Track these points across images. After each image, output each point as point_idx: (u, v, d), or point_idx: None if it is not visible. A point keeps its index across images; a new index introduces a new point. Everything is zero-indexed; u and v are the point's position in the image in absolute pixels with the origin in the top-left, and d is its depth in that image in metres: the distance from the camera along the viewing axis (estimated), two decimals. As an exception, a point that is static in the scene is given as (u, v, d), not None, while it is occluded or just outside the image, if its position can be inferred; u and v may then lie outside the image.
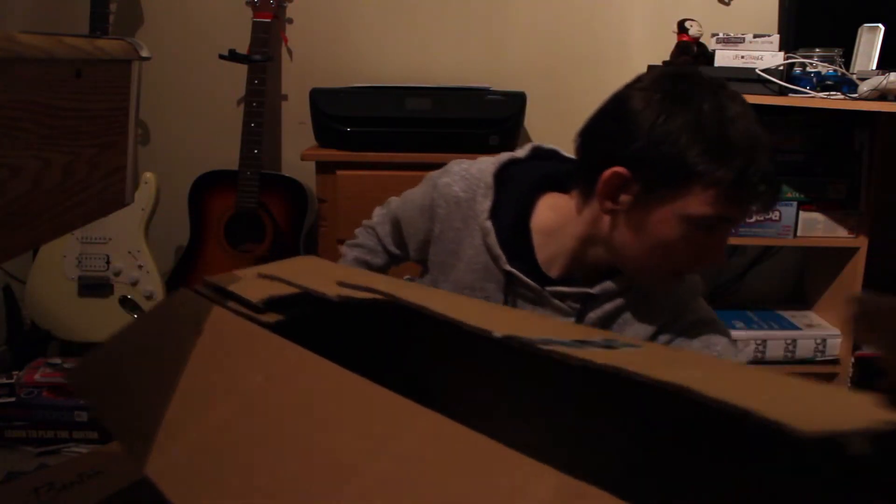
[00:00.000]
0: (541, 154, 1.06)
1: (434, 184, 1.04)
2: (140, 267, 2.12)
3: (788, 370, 2.18)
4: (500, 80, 2.25)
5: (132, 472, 1.62)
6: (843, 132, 2.10)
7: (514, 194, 0.99)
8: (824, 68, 1.84)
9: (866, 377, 2.17)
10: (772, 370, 0.96)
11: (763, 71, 1.88)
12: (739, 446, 0.44)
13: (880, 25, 1.79)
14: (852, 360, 2.18)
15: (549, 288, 0.98)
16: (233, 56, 2.10)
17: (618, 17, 2.32)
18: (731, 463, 0.47)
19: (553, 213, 0.99)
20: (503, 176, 1.01)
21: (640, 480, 0.50)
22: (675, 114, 0.86)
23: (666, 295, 1.00)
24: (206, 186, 2.17)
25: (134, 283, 2.12)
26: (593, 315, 0.99)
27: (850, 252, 2.14)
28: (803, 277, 2.45)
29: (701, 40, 2.08)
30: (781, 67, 1.90)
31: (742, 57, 1.96)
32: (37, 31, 0.64)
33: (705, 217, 0.87)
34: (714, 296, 2.41)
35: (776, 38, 1.99)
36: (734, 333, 2.16)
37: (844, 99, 1.76)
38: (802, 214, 2.10)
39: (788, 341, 2.17)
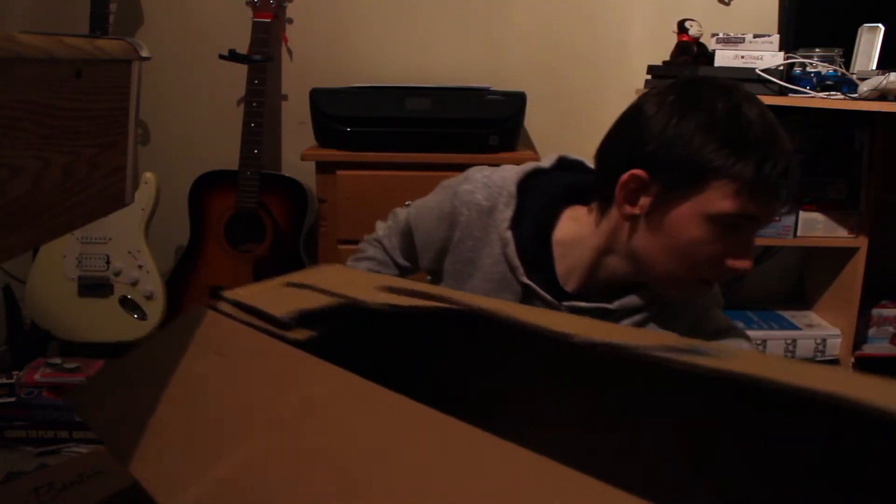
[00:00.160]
0: (566, 164, 1.04)
1: (454, 191, 1.02)
2: (140, 267, 2.12)
3: (788, 370, 2.18)
4: (500, 80, 2.25)
5: (132, 472, 1.61)
6: (843, 132, 2.10)
7: (537, 205, 0.98)
8: (824, 68, 1.84)
9: (866, 377, 2.17)
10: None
11: (763, 71, 1.88)
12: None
13: (880, 25, 1.79)
14: (852, 360, 2.18)
15: (566, 303, 0.96)
16: (233, 56, 2.10)
17: (618, 17, 2.31)
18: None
19: (574, 225, 0.98)
20: (527, 185, 0.99)
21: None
22: (689, 115, 0.85)
23: (684, 307, 0.99)
24: (206, 186, 2.17)
25: (134, 283, 2.12)
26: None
27: (850, 252, 2.14)
28: (803, 277, 2.45)
29: (701, 40, 2.08)
30: (781, 67, 1.90)
31: (742, 57, 1.96)
32: (37, 31, 0.64)
33: (727, 214, 0.85)
34: (714, 296, 2.41)
35: (776, 38, 1.99)
36: (734, 333, 2.16)
37: (844, 99, 1.76)
38: (802, 214, 2.10)
39: (788, 341, 2.17)
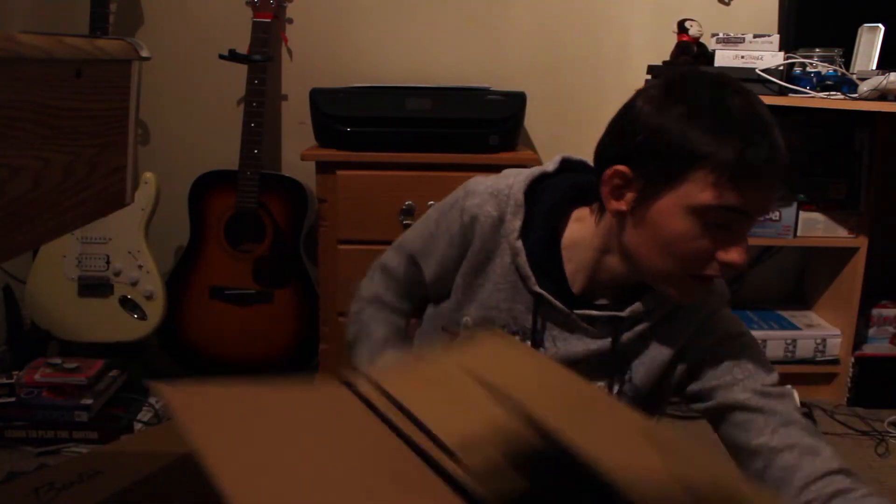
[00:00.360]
0: (570, 166, 1.03)
1: (461, 208, 0.99)
2: (140, 267, 2.12)
3: (788, 370, 2.18)
4: (500, 80, 2.25)
5: (132, 472, 1.62)
6: (843, 132, 2.10)
7: (544, 211, 0.97)
8: (824, 68, 1.84)
9: (866, 377, 2.17)
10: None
11: (763, 71, 1.88)
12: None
13: (880, 25, 1.79)
14: (852, 359, 2.18)
15: (578, 311, 0.96)
16: (233, 56, 2.10)
17: (618, 17, 2.31)
18: None
19: (578, 226, 0.97)
20: (533, 192, 0.98)
21: None
22: (672, 106, 0.84)
23: (690, 311, 0.97)
24: (206, 186, 2.17)
25: (134, 283, 2.12)
26: (625, 338, 0.97)
27: (850, 252, 2.14)
28: (803, 277, 2.45)
29: (701, 40, 2.08)
30: (781, 67, 1.90)
31: (742, 57, 1.96)
32: (37, 31, 0.64)
33: (709, 207, 0.82)
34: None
35: (776, 38, 1.99)
36: (734, 333, 2.16)
37: (844, 99, 1.76)
38: (802, 214, 2.10)
39: (788, 341, 2.17)
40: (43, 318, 2.15)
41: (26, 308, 2.19)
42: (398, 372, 0.53)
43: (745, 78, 1.90)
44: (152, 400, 2.01)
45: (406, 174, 1.94)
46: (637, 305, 0.95)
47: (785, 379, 2.33)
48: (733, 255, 0.84)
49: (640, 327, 0.97)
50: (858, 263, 2.12)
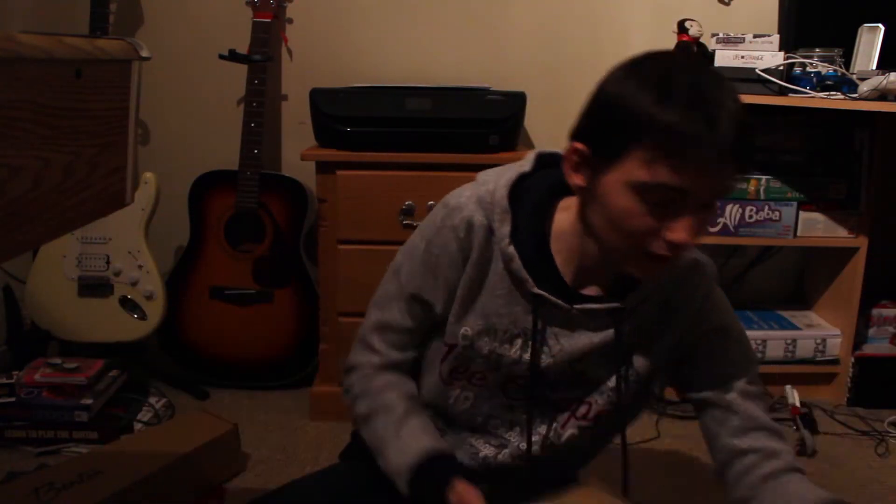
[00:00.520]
0: (546, 161, 1.03)
1: (452, 225, 0.97)
2: (140, 267, 2.12)
3: (788, 370, 2.18)
4: (500, 80, 2.25)
5: (132, 472, 1.63)
6: (843, 132, 2.10)
7: (530, 212, 0.97)
8: (824, 68, 1.84)
9: (866, 377, 2.17)
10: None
11: (763, 71, 1.88)
12: None
13: (880, 25, 1.79)
14: (852, 359, 2.18)
15: (577, 306, 0.96)
16: (233, 56, 2.10)
17: (618, 17, 2.31)
18: None
19: (565, 215, 0.97)
20: (516, 194, 0.98)
21: None
22: (623, 81, 0.85)
23: (683, 298, 0.98)
24: (206, 186, 2.17)
25: (134, 283, 2.12)
26: (629, 328, 0.98)
27: (850, 252, 2.14)
28: (803, 277, 2.45)
29: (701, 40, 2.08)
30: (781, 67, 1.90)
31: (742, 57, 1.96)
32: (37, 31, 0.65)
33: (645, 184, 0.81)
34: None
35: (776, 38, 1.99)
36: (734, 333, 2.16)
37: (844, 99, 1.76)
38: (802, 214, 2.10)
39: (788, 341, 2.17)
40: (43, 318, 2.15)
41: (26, 308, 2.19)
42: None
43: (745, 78, 1.90)
44: (152, 400, 2.01)
45: (406, 174, 1.94)
46: (634, 294, 0.96)
47: (785, 379, 2.34)
48: (678, 234, 0.83)
49: (639, 316, 0.98)
50: (858, 263, 2.12)
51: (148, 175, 2.13)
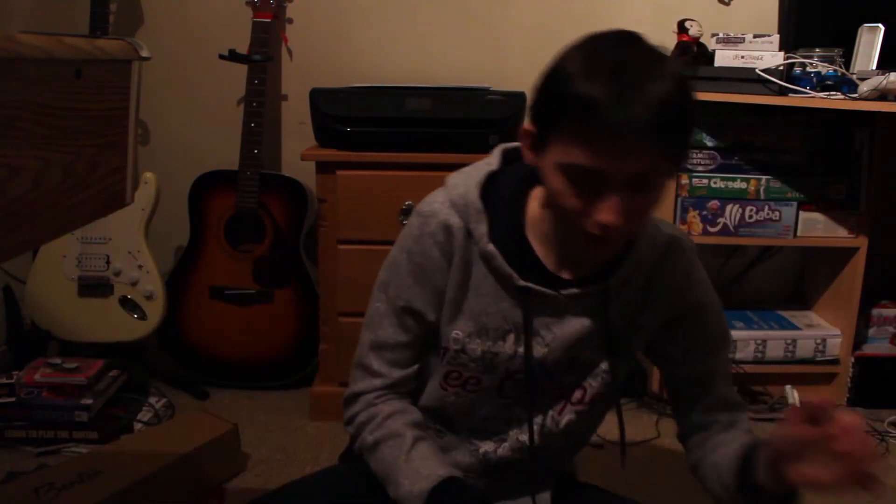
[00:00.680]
0: (511, 155, 1.04)
1: (431, 231, 0.98)
2: (140, 267, 2.12)
3: (788, 370, 2.18)
4: (500, 80, 2.25)
5: (132, 472, 1.63)
6: (843, 132, 2.10)
7: (504, 207, 0.97)
8: (824, 68, 1.84)
9: (866, 377, 2.17)
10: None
11: (763, 71, 1.88)
12: None
13: (880, 25, 1.79)
14: (852, 359, 2.18)
15: (564, 292, 0.96)
16: (233, 56, 2.10)
17: (618, 18, 2.32)
18: None
19: (536, 204, 0.98)
20: (488, 193, 0.99)
21: None
22: (563, 58, 0.84)
23: (669, 269, 1.00)
24: (206, 186, 2.17)
25: (134, 283, 2.12)
26: (615, 310, 0.99)
27: (850, 252, 2.14)
28: (803, 277, 2.45)
29: (701, 40, 2.08)
30: (781, 67, 1.90)
31: (742, 57, 1.96)
32: (37, 31, 0.65)
33: (566, 165, 0.82)
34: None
35: (776, 38, 1.99)
36: (734, 333, 2.16)
37: (844, 99, 1.76)
38: (802, 214, 2.10)
39: (788, 341, 2.17)
40: (43, 318, 2.15)
41: (26, 308, 2.19)
42: None
43: (744, 78, 1.90)
44: (152, 400, 2.01)
45: (406, 174, 1.94)
46: (618, 274, 0.96)
47: (785, 379, 2.34)
48: (604, 215, 0.82)
49: (626, 297, 0.99)
50: (858, 263, 2.12)
51: (148, 175, 2.13)
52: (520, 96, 2.01)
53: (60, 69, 0.68)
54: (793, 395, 2.03)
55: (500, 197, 0.97)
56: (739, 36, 2.00)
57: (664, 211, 2.07)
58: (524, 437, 1.03)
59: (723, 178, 2.07)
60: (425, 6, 2.31)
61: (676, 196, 2.06)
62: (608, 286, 0.96)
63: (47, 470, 1.57)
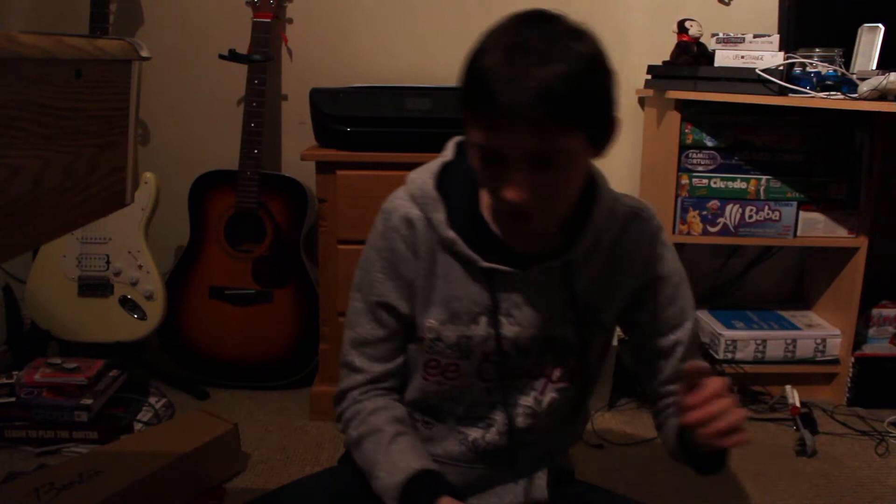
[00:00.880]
0: (464, 146, 1.05)
1: (393, 226, 1.01)
2: (140, 267, 2.12)
3: (788, 370, 2.18)
4: (500, 80, 2.25)
5: (132, 472, 1.63)
6: (843, 132, 2.10)
7: (460, 194, 0.99)
8: (824, 68, 1.84)
9: (866, 377, 2.17)
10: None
11: (763, 71, 1.88)
12: None
13: (880, 25, 1.79)
14: (852, 359, 2.18)
15: (527, 269, 0.98)
16: (233, 56, 2.10)
17: (618, 17, 2.32)
18: None
19: None
20: (444, 183, 1.01)
21: None
22: (482, 37, 0.88)
23: (635, 239, 1.01)
24: (206, 186, 2.17)
25: (134, 283, 2.12)
26: (581, 283, 1.00)
27: (850, 252, 2.14)
28: (803, 277, 2.45)
29: (701, 40, 2.08)
30: (781, 67, 1.90)
31: (742, 57, 1.96)
32: (37, 31, 0.65)
33: (472, 145, 0.87)
34: (714, 296, 2.41)
35: (776, 38, 1.99)
36: (734, 333, 2.17)
37: (844, 99, 1.76)
38: (802, 214, 2.10)
39: (788, 341, 2.17)
40: (43, 318, 2.15)
41: (26, 308, 2.19)
42: None
43: (744, 78, 1.90)
44: (152, 400, 2.01)
45: (406, 174, 1.94)
46: (578, 245, 0.98)
47: (785, 379, 2.34)
48: (507, 193, 0.85)
49: (592, 268, 1.00)
50: (858, 263, 2.12)
51: (148, 175, 2.13)
52: (520, 96, 2.01)
53: (60, 69, 0.68)
54: (793, 395, 2.03)
55: (455, 184, 1.00)
56: (739, 36, 2.00)
57: (664, 210, 2.07)
58: (510, 421, 1.05)
59: (723, 178, 2.07)
60: (425, 6, 2.31)
61: (676, 196, 2.07)
62: (570, 259, 0.98)
63: (47, 470, 1.57)
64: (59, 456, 1.79)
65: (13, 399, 1.85)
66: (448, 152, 1.05)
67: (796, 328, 2.21)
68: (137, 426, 1.90)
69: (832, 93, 1.80)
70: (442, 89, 2.02)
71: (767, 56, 1.94)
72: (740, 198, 2.08)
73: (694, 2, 2.28)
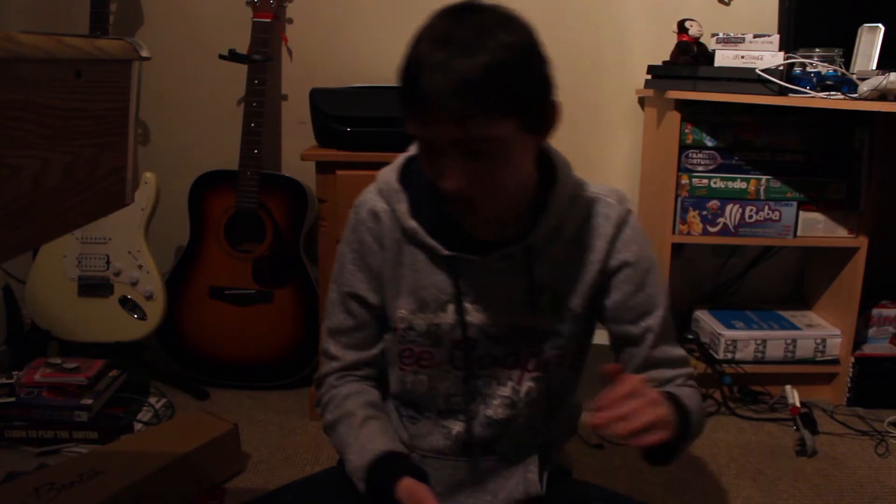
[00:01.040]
0: None
1: (360, 218, 1.06)
2: (140, 267, 2.12)
3: (788, 370, 2.18)
4: (500, 80, 2.25)
5: (132, 472, 1.63)
6: (843, 132, 2.10)
7: (423, 185, 1.01)
8: (824, 68, 1.84)
9: (866, 377, 2.17)
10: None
11: (763, 71, 1.88)
12: None
13: (880, 25, 1.79)
14: (852, 359, 2.18)
15: (492, 254, 0.99)
16: (233, 56, 2.10)
17: (618, 17, 2.32)
18: None
19: None
20: (407, 175, 1.05)
21: None
22: (418, 29, 0.89)
23: (599, 223, 1.01)
24: (206, 186, 2.17)
25: (134, 283, 2.12)
26: (544, 269, 1.01)
27: (850, 252, 2.14)
28: (803, 277, 2.45)
29: (701, 40, 2.08)
30: (781, 67, 1.90)
31: (742, 57, 1.96)
32: (37, 31, 0.65)
33: (413, 134, 0.88)
34: (714, 296, 2.41)
35: (776, 38, 1.99)
36: (734, 333, 2.17)
37: (844, 99, 1.76)
38: (802, 214, 2.10)
39: (788, 341, 2.17)
40: (43, 318, 2.15)
41: (26, 308, 2.19)
42: None
43: (744, 78, 1.90)
44: (152, 400, 2.01)
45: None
46: (537, 230, 0.98)
47: (785, 379, 2.34)
48: (443, 182, 0.88)
49: (553, 253, 1.01)
50: (858, 263, 2.12)
51: (148, 175, 2.13)
52: (520, 96, 2.01)
53: (60, 69, 0.68)
54: (793, 395, 2.03)
55: (418, 176, 1.01)
56: (739, 36, 2.00)
57: (664, 210, 2.07)
58: (490, 412, 1.06)
59: (723, 178, 2.07)
60: (425, 6, 2.29)
61: (676, 196, 2.07)
62: (530, 244, 0.99)
63: (47, 470, 1.57)
64: (59, 456, 1.79)
65: (13, 399, 1.85)
66: (413, 147, 1.08)
67: (796, 328, 2.21)
68: (137, 426, 1.90)
69: (832, 93, 1.80)
70: (442, 89, 2.02)
71: (767, 56, 1.94)
72: (740, 198, 2.08)
73: (694, 2, 2.28)
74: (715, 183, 2.07)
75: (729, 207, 2.08)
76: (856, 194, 2.11)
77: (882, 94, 1.62)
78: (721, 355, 2.16)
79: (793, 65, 1.90)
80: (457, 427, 1.07)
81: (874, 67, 1.78)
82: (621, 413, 0.82)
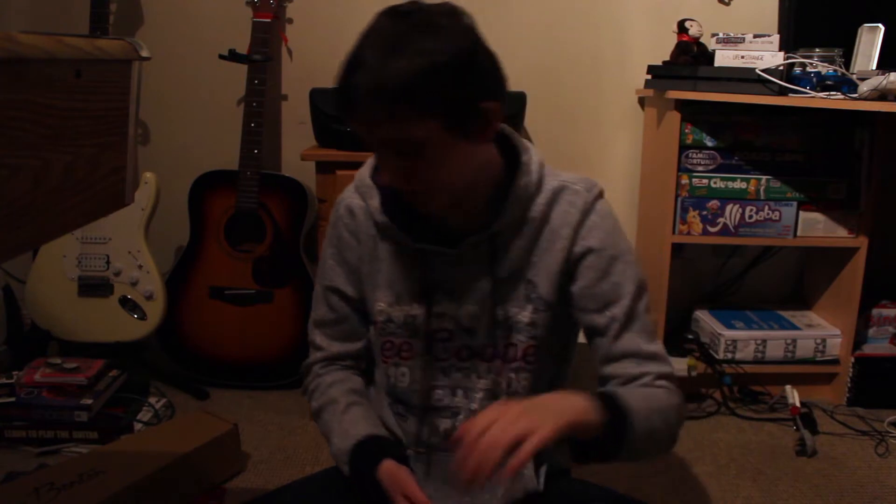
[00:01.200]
0: None
1: (339, 215, 1.09)
2: (140, 267, 2.12)
3: (788, 370, 2.18)
4: (500, 80, 2.25)
5: (132, 472, 1.63)
6: (843, 132, 2.10)
7: None
8: (824, 68, 1.84)
9: (866, 377, 2.17)
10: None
11: (763, 71, 1.88)
12: None
13: (880, 25, 1.79)
14: (852, 359, 2.18)
15: (461, 246, 1.00)
16: (233, 56, 2.10)
17: (618, 17, 2.32)
18: None
19: None
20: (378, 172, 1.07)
21: None
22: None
23: (565, 210, 1.02)
24: (206, 186, 2.17)
25: (134, 283, 2.12)
26: (510, 257, 1.01)
27: (850, 252, 2.14)
28: (803, 277, 2.45)
29: (701, 40, 2.08)
30: (781, 67, 1.90)
31: (742, 57, 1.96)
32: (37, 31, 0.64)
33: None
34: (714, 296, 2.41)
35: (776, 38, 1.99)
36: (734, 333, 2.16)
37: (844, 99, 1.76)
38: (802, 214, 2.10)
39: (788, 341, 2.17)
40: (43, 318, 2.15)
41: (26, 308, 2.19)
42: None
43: (744, 78, 1.90)
44: (152, 400, 2.01)
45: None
46: (499, 220, 1.00)
47: (785, 379, 2.34)
48: (381, 177, 0.95)
49: (519, 244, 1.02)
50: (858, 263, 2.12)
51: (148, 175, 2.13)
52: (520, 96, 2.01)
53: (60, 69, 0.68)
54: (793, 395, 2.03)
55: None
56: (739, 36, 2.00)
57: (664, 210, 2.07)
58: (474, 406, 1.06)
59: (723, 178, 2.07)
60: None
61: (676, 196, 2.07)
62: (495, 234, 1.00)
63: (47, 470, 1.57)
64: (59, 456, 1.79)
65: (13, 399, 1.85)
66: None
67: (796, 328, 2.21)
68: (137, 426, 1.90)
69: (832, 93, 1.80)
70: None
71: (767, 56, 1.94)
72: (740, 198, 2.08)
73: (694, 2, 2.28)
74: (715, 183, 2.07)
75: (729, 207, 2.08)
76: (856, 194, 2.11)
77: (882, 94, 1.62)
78: (721, 355, 2.16)
79: (793, 65, 1.90)
80: (444, 424, 1.08)
81: (874, 67, 1.78)
82: (481, 458, 0.79)
